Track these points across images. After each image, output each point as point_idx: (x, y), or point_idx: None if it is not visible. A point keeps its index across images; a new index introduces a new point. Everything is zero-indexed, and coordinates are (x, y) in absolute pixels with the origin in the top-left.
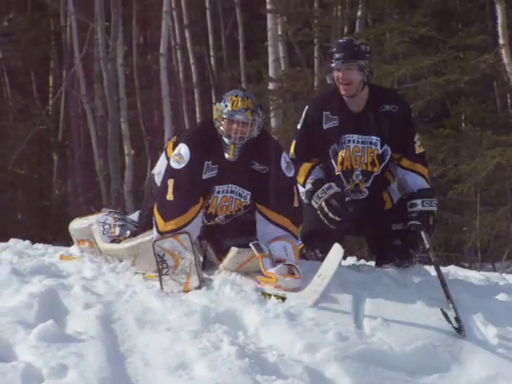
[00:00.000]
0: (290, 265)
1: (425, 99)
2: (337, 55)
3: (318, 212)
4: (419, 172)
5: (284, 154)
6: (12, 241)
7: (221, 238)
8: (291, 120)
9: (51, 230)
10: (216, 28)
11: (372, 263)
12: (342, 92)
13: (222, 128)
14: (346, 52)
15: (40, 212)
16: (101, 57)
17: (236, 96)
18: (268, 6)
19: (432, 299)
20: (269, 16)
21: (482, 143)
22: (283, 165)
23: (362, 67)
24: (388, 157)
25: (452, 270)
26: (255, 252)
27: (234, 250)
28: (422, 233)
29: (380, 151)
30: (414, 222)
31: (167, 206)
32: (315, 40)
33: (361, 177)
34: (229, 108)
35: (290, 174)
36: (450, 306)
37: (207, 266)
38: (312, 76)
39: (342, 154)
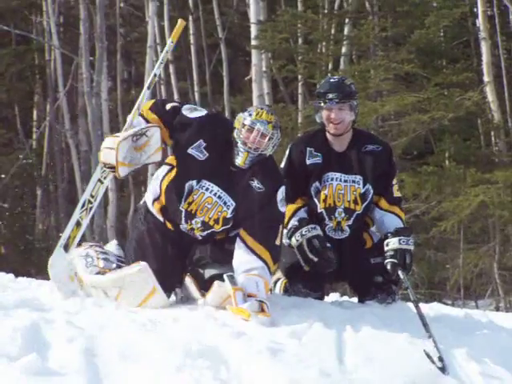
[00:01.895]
0: (260, 301)
1: (409, 136)
2: (330, 95)
3: (296, 250)
4: (396, 214)
5: (283, 188)
6: None
7: (200, 268)
8: (276, 156)
9: (34, 263)
10: (200, 63)
11: (355, 299)
12: (332, 131)
13: (240, 135)
14: (340, 92)
15: (23, 246)
16: (85, 91)
17: (261, 109)
18: (253, 42)
19: (415, 336)
20: (253, 52)
21: (465, 181)
22: (279, 197)
23: (353, 107)
24: (370, 196)
25: (435, 307)
26: (229, 284)
27: (216, 284)
28: (400, 271)
29: (362, 190)
30: (390, 260)
31: None
32: (299, 76)
33: (343, 214)
34: (252, 117)
35: (283, 209)
36: (433, 345)
37: (188, 299)
38: (296, 112)
39: (324, 191)
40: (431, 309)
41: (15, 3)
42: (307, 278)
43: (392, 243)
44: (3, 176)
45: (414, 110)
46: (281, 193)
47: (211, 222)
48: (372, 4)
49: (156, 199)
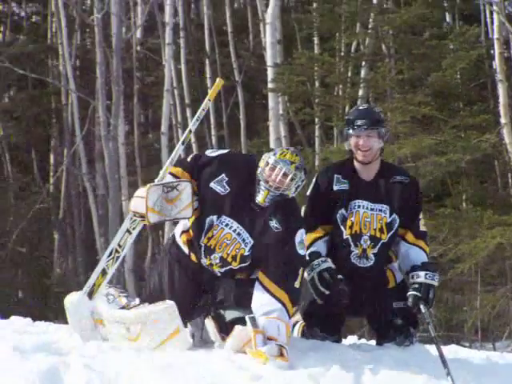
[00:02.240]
0: (280, 345)
1: (426, 179)
2: (359, 122)
3: (309, 285)
4: (422, 248)
5: (302, 231)
6: (13, 318)
7: (222, 311)
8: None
9: (52, 308)
10: (217, 107)
11: (373, 342)
12: (360, 158)
13: (263, 174)
14: (368, 119)
15: (41, 290)
16: (102, 135)
17: (287, 149)
18: (269, 85)
19: (433, 378)
20: (270, 95)
21: (482, 223)
22: (297, 239)
23: (382, 134)
24: (396, 225)
25: (453, 350)
26: (250, 326)
27: (237, 329)
28: (421, 305)
29: (389, 219)
30: (413, 293)
31: None
32: (316, 119)
33: (369, 242)
34: (276, 156)
35: (301, 252)
36: None
37: (206, 341)
38: (313, 155)
39: (351, 218)
40: (449, 351)
41: (31, 47)
42: (324, 321)
43: (417, 276)
44: (20, 221)
45: (431, 152)
46: (300, 235)
47: (229, 259)
48: (388, 47)
49: (185, 231)
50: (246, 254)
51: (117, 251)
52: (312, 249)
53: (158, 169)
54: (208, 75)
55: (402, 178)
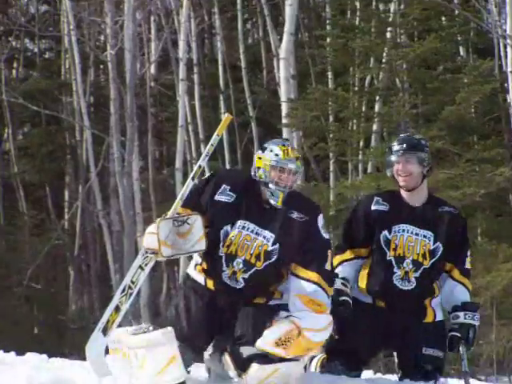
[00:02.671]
0: (290, 316)
1: None
2: (396, 147)
3: None
4: (466, 286)
5: (321, 215)
6: (28, 355)
7: (239, 346)
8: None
9: (68, 344)
10: (231, 142)
11: (389, 376)
12: (401, 184)
13: (269, 176)
14: (406, 144)
15: (56, 326)
16: (116, 171)
17: (284, 145)
18: (283, 121)
19: None
20: (284, 130)
21: (497, 256)
22: (320, 223)
23: (422, 159)
24: (439, 253)
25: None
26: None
27: (255, 367)
28: (461, 347)
29: (432, 246)
30: (454, 334)
31: None
32: (331, 154)
33: (411, 266)
34: (280, 156)
35: (326, 236)
36: None
37: (223, 378)
38: (328, 190)
39: (395, 241)
40: None
41: (45, 84)
42: (346, 355)
43: (457, 317)
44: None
45: (445, 186)
46: (320, 219)
47: (253, 260)
48: (402, 81)
49: (198, 264)
50: (270, 248)
51: (130, 288)
52: (338, 270)
53: (173, 204)
54: (222, 111)
55: (450, 209)
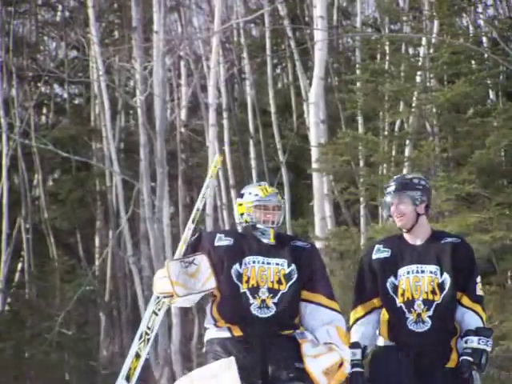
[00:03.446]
0: (330, 343)
1: None
2: (388, 189)
3: None
4: (478, 313)
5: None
6: None
7: None
8: (338, 279)
9: None
10: None
11: None
12: (398, 224)
13: (255, 216)
14: (398, 184)
15: (87, 372)
16: (147, 217)
17: (260, 185)
18: (314, 165)
19: None
20: (315, 175)
21: None
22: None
23: (414, 198)
24: (448, 285)
25: None
26: (298, 339)
27: None
28: (474, 371)
29: (440, 280)
30: (466, 358)
31: None
32: (361, 199)
33: (422, 306)
34: (261, 195)
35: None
36: None
37: None
38: (358, 235)
39: (402, 285)
40: None
41: (75, 130)
42: None
43: (470, 342)
44: (66, 303)
45: (475, 230)
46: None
47: (275, 286)
48: (432, 125)
49: (215, 323)
50: (288, 270)
51: (146, 334)
52: (353, 337)
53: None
54: (252, 156)
55: (452, 239)
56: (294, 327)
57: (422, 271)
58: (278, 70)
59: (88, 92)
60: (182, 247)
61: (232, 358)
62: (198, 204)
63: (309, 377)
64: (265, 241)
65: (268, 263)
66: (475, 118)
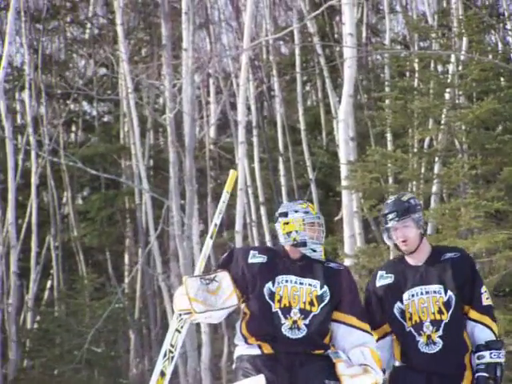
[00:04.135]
0: (365, 365)
1: (500, 273)
2: (390, 215)
3: None
4: (487, 325)
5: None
6: None
7: None
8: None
9: None
10: None
11: None
12: (403, 248)
13: (307, 234)
14: (399, 210)
15: None
16: (176, 235)
17: (304, 203)
18: (343, 183)
19: None
20: (344, 192)
21: None
22: (351, 274)
23: (417, 220)
24: (453, 303)
25: None
26: (332, 358)
27: None
28: None
29: (445, 298)
30: (481, 375)
31: None
32: None
33: (431, 327)
34: (312, 213)
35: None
36: None
37: None
38: (388, 252)
39: (409, 309)
40: None
41: (104, 147)
42: None
43: (482, 357)
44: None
45: (505, 246)
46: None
47: (308, 307)
48: (461, 142)
49: (245, 340)
50: (320, 292)
51: (170, 351)
52: None
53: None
54: (282, 173)
55: (451, 254)
56: (325, 347)
57: (427, 292)
58: (308, 88)
59: (117, 110)
60: (201, 263)
61: (262, 376)
62: (215, 219)
63: None
64: (316, 257)
65: (301, 283)
66: (504, 134)
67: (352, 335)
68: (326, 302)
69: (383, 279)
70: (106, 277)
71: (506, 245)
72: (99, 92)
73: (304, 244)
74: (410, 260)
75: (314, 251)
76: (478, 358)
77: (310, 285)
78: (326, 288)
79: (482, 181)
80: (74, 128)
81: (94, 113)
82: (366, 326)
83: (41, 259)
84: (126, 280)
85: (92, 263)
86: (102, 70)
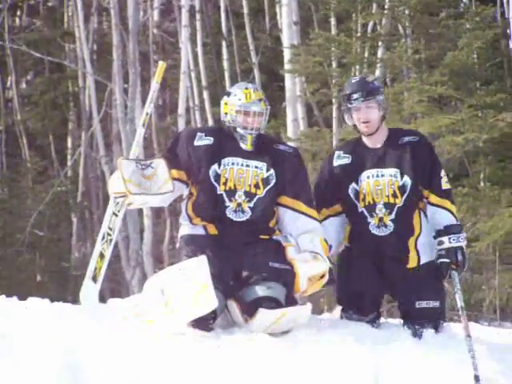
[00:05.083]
0: (315, 252)
1: (443, 158)
2: (355, 95)
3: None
4: (447, 208)
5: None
6: (30, 299)
7: (247, 287)
8: (310, 179)
9: (71, 291)
10: None
11: (391, 320)
12: (364, 130)
13: (237, 120)
14: (363, 90)
15: (59, 273)
16: (119, 117)
17: (246, 88)
18: (286, 67)
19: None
20: (287, 76)
21: (500, 202)
22: (301, 157)
23: (380, 102)
24: (409, 187)
25: (472, 328)
26: (282, 242)
27: (262, 311)
28: (452, 271)
29: (400, 182)
30: (442, 260)
31: None
32: (333, 100)
33: (384, 210)
34: (243, 100)
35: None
36: (471, 361)
37: (229, 323)
38: (331, 136)
39: (363, 190)
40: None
41: (48, 32)
42: (356, 303)
43: (442, 243)
44: (38, 204)
45: (447, 131)
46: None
47: (253, 190)
48: (405, 27)
49: (190, 220)
50: (266, 175)
51: (109, 234)
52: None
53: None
54: (225, 57)
55: (410, 138)
56: (270, 231)
57: (383, 175)
58: None
59: None
60: (135, 149)
61: (203, 257)
62: (146, 108)
63: (283, 276)
64: (243, 146)
65: (247, 165)
66: (448, 20)
67: (299, 221)
68: (271, 184)
69: (340, 159)
70: (49, 160)
71: (449, 129)
72: None
73: (235, 129)
74: (368, 142)
75: (242, 139)
76: (438, 244)
77: (256, 167)
78: (272, 171)
79: (425, 66)
80: (18, 13)
81: None
82: (314, 213)
83: None
84: (69, 163)
85: (35, 147)
86: None
